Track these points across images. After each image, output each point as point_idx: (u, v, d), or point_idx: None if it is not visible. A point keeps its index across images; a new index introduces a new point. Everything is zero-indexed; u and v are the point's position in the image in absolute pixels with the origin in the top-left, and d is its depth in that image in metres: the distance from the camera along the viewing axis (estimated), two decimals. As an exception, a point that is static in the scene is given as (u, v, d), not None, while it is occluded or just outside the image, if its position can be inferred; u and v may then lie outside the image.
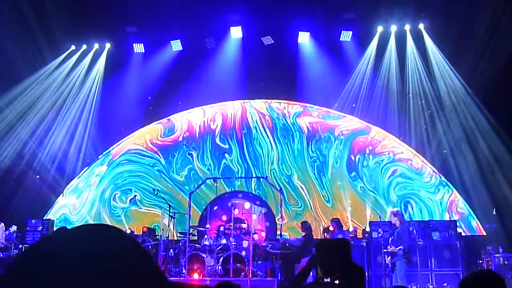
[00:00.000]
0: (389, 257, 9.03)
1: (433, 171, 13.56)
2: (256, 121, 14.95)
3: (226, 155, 14.79)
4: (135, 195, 14.86)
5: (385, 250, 9.22)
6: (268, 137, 14.77)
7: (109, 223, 14.22)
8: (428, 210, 13.41)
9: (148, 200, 14.60)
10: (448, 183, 13.40)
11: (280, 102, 14.96)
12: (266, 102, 15.02)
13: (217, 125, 15.10)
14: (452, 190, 13.38)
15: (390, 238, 9.42)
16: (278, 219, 12.28)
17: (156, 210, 14.04)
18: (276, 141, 14.70)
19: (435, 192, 13.52)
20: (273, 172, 14.45)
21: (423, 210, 13.46)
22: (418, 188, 13.66)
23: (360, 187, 13.87)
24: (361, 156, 14.10)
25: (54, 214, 14.80)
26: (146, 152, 15.22)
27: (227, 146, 14.89)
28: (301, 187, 14.24)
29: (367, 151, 14.09)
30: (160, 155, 15.11)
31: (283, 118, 14.84)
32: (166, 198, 12.30)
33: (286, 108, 14.92)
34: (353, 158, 14.13)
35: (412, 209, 13.47)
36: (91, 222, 14.26)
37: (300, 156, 14.46)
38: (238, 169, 14.66)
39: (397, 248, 8.87)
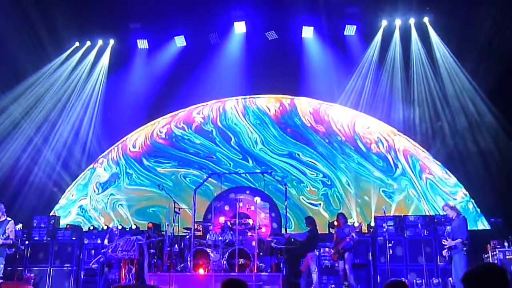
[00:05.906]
0: (446, 250, 8.83)
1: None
2: (231, 107, 15.25)
3: (199, 118, 15.21)
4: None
5: (444, 243, 8.92)
6: (243, 122, 15.06)
7: (148, 177, 14.83)
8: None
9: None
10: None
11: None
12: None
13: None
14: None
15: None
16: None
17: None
18: (253, 127, 14.96)
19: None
20: (264, 152, 14.67)
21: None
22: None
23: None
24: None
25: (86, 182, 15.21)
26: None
27: (201, 116, 15.31)
28: (311, 162, 14.36)
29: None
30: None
31: (251, 104, 15.16)
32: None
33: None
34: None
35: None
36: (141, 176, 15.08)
37: (281, 136, 14.72)
38: (212, 129, 15.07)
39: (455, 241, 8.68)
